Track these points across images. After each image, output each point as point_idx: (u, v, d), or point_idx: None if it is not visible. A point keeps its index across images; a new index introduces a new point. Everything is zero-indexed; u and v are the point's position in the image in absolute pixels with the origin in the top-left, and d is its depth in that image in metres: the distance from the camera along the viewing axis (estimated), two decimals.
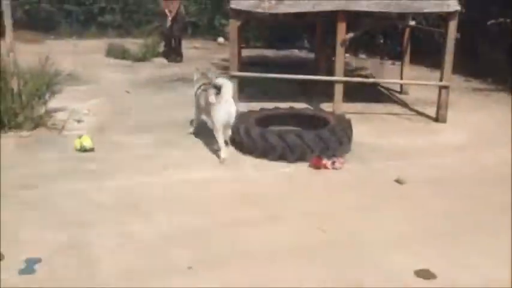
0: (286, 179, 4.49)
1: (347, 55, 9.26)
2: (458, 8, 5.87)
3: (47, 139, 5.50)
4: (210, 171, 4.66)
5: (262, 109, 5.81)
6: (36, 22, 14.08)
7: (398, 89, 8.35)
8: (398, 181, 4.43)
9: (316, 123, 5.48)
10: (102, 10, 14.64)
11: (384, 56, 11.76)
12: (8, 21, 5.80)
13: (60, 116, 6.43)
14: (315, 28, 8.44)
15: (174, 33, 11.05)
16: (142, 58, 11.24)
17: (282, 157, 4.89)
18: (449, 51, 6.07)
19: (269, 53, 11.77)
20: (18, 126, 5.77)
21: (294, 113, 5.74)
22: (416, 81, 7.69)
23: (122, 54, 11.35)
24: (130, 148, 5.25)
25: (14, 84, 5.85)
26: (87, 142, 5.09)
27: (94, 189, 4.19)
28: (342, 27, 6.06)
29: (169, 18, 10.86)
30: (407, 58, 7.94)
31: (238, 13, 5.93)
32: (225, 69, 10.33)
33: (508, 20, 8.20)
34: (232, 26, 5.99)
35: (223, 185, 4.39)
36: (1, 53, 5.93)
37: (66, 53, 11.39)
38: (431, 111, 6.93)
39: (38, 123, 5.88)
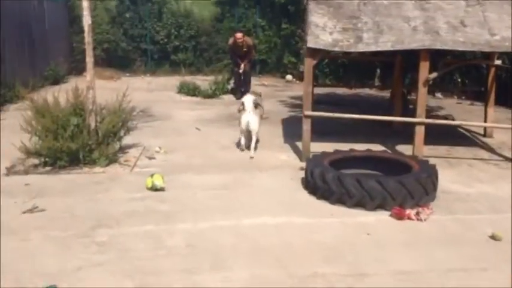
0: (366, 229, 4.13)
1: None
2: None
3: (119, 176, 5.51)
4: (284, 216, 4.40)
5: (336, 151, 5.53)
6: (114, 60, 14.81)
7: (481, 132, 7.80)
8: (493, 237, 3.95)
9: (397, 168, 5.10)
10: (175, 49, 15.17)
11: (461, 95, 11.18)
12: (89, 60, 5.98)
13: (132, 152, 6.50)
14: (389, 66, 8.11)
15: (245, 79, 11.21)
16: (211, 95, 11.38)
17: (359, 204, 4.55)
18: None
19: (339, 90, 11.54)
20: (93, 163, 5.85)
21: (371, 156, 5.41)
22: (508, 125, 7.07)
23: (193, 91, 11.56)
24: (201, 188, 5.12)
25: (92, 121, 5.97)
26: (158, 181, 5.02)
27: (165, 232, 4.05)
28: (424, 66, 5.72)
29: (240, 69, 11.07)
30: (491, 99, 7.39)
31: (314, 52, 5.76)
32: (293, 107, 10.23)
33: None
34: (308, 64, 5.82)
35: (298, 232, 4.10)
36: (81, 89, 6.11)
37: (140, 89, 11.81)
38: None
39: (111, 159, 5.94)
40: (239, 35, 11.05)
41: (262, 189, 5.12)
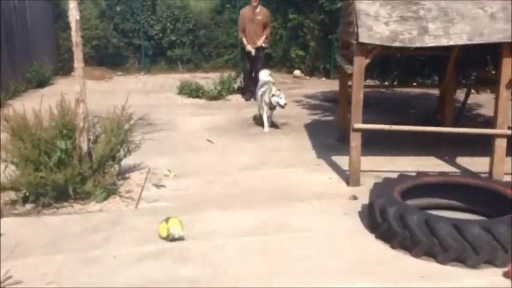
0: None
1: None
2: None
3: (122, 217, 4.23)
4: (357, 283, 3.15)
5: (403, 176, 4.29)
6: (105, 58, 13.41)
7: None
8: None
9: (488, 199, 3.90)
10: (171, 44, 13.77)
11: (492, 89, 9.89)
12: (78, 65, 4.66)
13: (135, 177, 5.22)
14: (439, 62, 6.85)
15: (257, 67, 9.78)
16: (217, 96, 10.07)
17: (458, 259, 3.33)
18: None
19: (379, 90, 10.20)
20: (87, 197, 4.57)
21: (451, 183, 4.17)
22: None
23: (196, 91, 10.24)
24: (231, 235, 3.85)
25: (83, 142, 4.67)
26: (176, 228, 3.75)
27: None
28: (508, 63, 4.48)
29: (252, 49, 9.58)
30: None
31: (367, 48, 4.51)
32: (313, 109, 8.97)
33: None
34: (359, 65, 4.54)
35: None
36: (69, 101, 4.82)
37: (135, 91, 10.45)
38: None
39: (110, 191, 4.66)
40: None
41: (311, 234, 3.85)
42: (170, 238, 3.73)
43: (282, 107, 7.15)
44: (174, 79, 11.62)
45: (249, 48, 9.55)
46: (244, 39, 9.63)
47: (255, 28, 9.56)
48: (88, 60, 12.25)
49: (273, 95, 7.11)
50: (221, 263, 3.42)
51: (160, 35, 13.76)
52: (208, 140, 6.76)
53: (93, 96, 7.61)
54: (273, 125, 7.47)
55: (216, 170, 5.51)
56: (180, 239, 3.74)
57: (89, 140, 4.79)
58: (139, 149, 5.26)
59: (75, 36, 4.64)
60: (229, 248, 3.65)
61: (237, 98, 10.11)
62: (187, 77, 11.83)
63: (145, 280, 3.21)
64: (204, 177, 5.25)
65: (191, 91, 10.22)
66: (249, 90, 9.90)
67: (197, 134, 7.17)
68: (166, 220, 3.81)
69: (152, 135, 6.99)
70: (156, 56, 13.99)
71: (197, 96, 10.08)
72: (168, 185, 5.01)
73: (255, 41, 9.58)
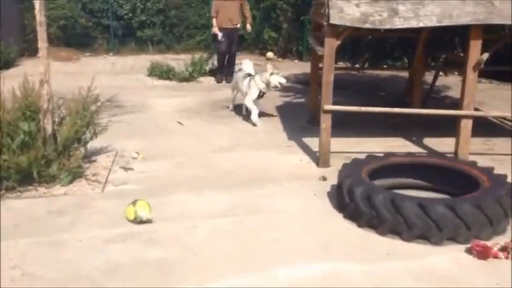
0: (445, 281, 2.97)
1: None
2: None
3: (88, 201, 4.14)
4: (325, 263, 3.18)
5: (370, 157, 4.33)
6: (72, 38, 13.01)
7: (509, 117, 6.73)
8: None
9: (457, 180, 3.98)
10: (141, 24, 13.46)
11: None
12: (42, 45, 4.49)
13: (102, 160, 5.12)
14: (409, 44, 6.91)
15: (231, 49, 9.67)
16: (188, 78, 9.93)
17: (421, 236, 3.39)
18: None
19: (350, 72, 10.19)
20: (51, 180, 4.46)
21: (418, 163, 4.23)
22: None
23: (166, 73, 10.08)
24: (202, 217, 3.83)
25: (48, 124, 4.54)
26: (143, 211, 3.70)
27: None
28: (476, 45, 4.54)
29: (218, 34, 9.39)
30: None
31: (338, 30, 4.49)
32: (285, 91, 8.92)
33: None
34: (329, 46, 4.52)
35: (357, 284, 2.91)
36: (33, 82, 4.66)
37: (104, 72, 10.24)
38: None
39: (75, 174, 4.56)
40: None
41: (282, 216, 3.86)
42: (138, 221, 3.67)
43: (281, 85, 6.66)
44: (145, 60, 11.39)
45: (217, 31, 9.32)
46: (214, 20, 9.35)
47: (231, 7, 9.29)
48: (55, 41, 11.92)
49: (272, 74, 6.49)
50: (192, 245, 3.39)
51: (130, 15, 13.46)
52: (179, 122, 6.68)
53: (60, 78, 7.43)
54: (263, 114, 6.92)
55: (187, 152, 5.45)
56: (148, 221, 3.69)
57: (53, 122, 4.65)
58: (106, 131, 5.14)
59: (39, 16, 4.46)
60: (201, 230, 3.62)
61: (208, 80, 10.00)
62: (157, 58, 11.60)
63: (113, 263, 3.16)
64: (174, 160, 5.19)
65: (162, 73, 10.05)
66: (221, 72, 9.80)
67: (167, 116, 7.07)
68: (134, 203, 3.75)
69: (121, 117, 6.86)
70: (125, 36, 13.68)
71: (168, 78, 9.92)
72: (137, 168, 4.93)
73: (232, 20, 9.34)
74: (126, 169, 4.91)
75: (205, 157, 5.28)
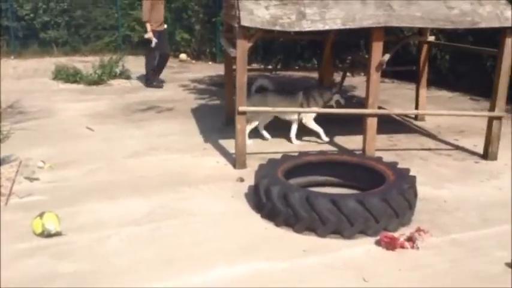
0: (359, 271, 3.11)
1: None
2: None
3: None
4: (246, 263, 3.20)
5: (285, 157, 4.43)
6: None
7: (411, 114, 7.23)
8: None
9: (364, 174, 4.19)
10: (44, 25, 12.74)
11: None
12: None
13: (5, 171, 4.77)
14: (318, 46, 7.17)
15: (164, 50, 9.44)
16: (98, 81, 9.55)
17: (336, 231, 3.53)
18: (504, 74, 4.97)
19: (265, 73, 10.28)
20: None
21: (330, 161, 4.40)
22: (464, 112, 6.81)
23: (73, 76, 9.62)
24: (116, 225, 3.69)
25: None
26: (51, 223, 3.49)
27: None
28: (378, 47, 4.81)
29: (152, 39, 9.08)
30: (424, 79, 6.83)
31: (249, 32, 4.54)
32: (200, 93, 8.89)
33: None
34: (242, 48, 4.56)
35: (277, 282, 2.96)
36: None
37: (5, 77, 9.52)
38: (467, 142, 5.86)
39: None
40: None
41: (201, 219, 3.83)
42: (46, 234, 3.46)
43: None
44: (49, 63, 10.84)
45: (152, 36, 8.93)
46: (149, 26, 8.88)
47: (161, 7, 9.07)
48: None
49: (336, 93, 5.83)
50: (106, 255, 3.26)
51: (32, 15, 12.71)
52: (88, 128, 6.39)
53: None
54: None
55: (98, 158, 5.23)
56: (58, 234, 3.49)
57: None
58: (8, 139, 4.80)
59: None
60: (115, 239, 3.49)
61: (119, 83, 9.71)
62: (63, 60, 11.09)
63: (20, 280, 2.95)
64: (84, 167, 4.95)
65: (68, 76, 9.59)
66: (154, 77, 9.43)
67: (76, 121, 6.75)
68: (41, 215, 3.52)
69: (24, 124, 6.45)
70: (27, 38, 12.90)
71: (75, 81, 9.49)
72: (43, 178, 4.65)
73: (162, 22, 9.16)
74: (31, 179, 4.61)
75: (118, 163, 5.10)
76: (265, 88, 5.77)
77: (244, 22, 4.42)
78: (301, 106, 5.59)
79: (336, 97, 5.87)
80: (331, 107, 5.80)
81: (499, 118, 5.16)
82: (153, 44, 9.00)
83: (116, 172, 4.84)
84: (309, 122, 5.79)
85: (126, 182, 4.57)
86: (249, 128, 5.45)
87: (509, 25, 4.80)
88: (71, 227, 3.61)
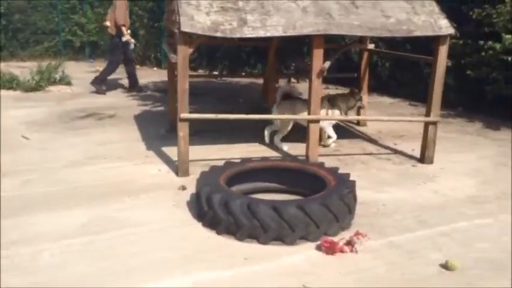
0: (300, 277, 3.12)
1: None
2: (451, 31, 5.00)
3: None
4: (187, 275, 3.13)
5: (228, 163, 4.40)
6: None
7: (353, 119, 7.39)
8: (447, 267, 3.28)
9: (306, 180, 4.23)
10: None
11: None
12: None
13: None
14: (263, 52, 7.20)
15: (130, 56, 9.26)
16: (36, 87, 9.17)
17: (277, 238, 3.53)
18: (438, 81, 5.18)
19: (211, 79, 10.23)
20: None
21: (273, 167, 4.41)
22: (402, 118, 7.02)
23: (9, 83, 9.19)
24: (51, 240, 3.52)
25: None
26: None
27: None
28: (319, 54, 4.88)
29: (131, 42, 8.93)
30: (365, 86, 7.01)
31: (190, 38, 4.49)
32: (143, 100, 8.72)
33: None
34: (182, 54, 4.50)
35: None
36: None
37: None
38: (406, 147, 6.06)
39: None
40: None
41: (141, 229, 3.73)
42: None
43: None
44: None
45: (129, 38, 8.99)
46: (124, 29, 8.95)
47: (126, 11, 9.11)
48: None
49: (360, 100, 6.25)
50: (36, 272, 3.10)
51: None
52: (24, 137, 6.11)
53: None
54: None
55: (34, 168, 5.00)
56: None
57: None
58: None
59: None
60: (47, 254, 3.32)
61: (59, 89, 9.39)
62: None
63: None
64: (19, 178, 4.72)
65: (4, 82, 9.15)
66: (136, 83, 9.31)
67: (11, 129, 6.44)
68: None
69: None
70: None
71: (11, 88, 9.08)
72: None
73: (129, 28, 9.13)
74: None
75: (55, 173, 4.90)
76: (288, 95, 5.89)
77: (185, 28, 4.37)
78: (327, 113, 5.76)
79: (359, 104, 6.21)
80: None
81: (435, 123, 5.37)
82: (131, 46, 8.97)
83: (53, 183, 4.64)
84: (328, 127, 5.96)
85: (64, 193, 4.39)
86: (280, 135, 5.79)
87: (443, 33, 5.01)
88: (3, 242, 3.41)
